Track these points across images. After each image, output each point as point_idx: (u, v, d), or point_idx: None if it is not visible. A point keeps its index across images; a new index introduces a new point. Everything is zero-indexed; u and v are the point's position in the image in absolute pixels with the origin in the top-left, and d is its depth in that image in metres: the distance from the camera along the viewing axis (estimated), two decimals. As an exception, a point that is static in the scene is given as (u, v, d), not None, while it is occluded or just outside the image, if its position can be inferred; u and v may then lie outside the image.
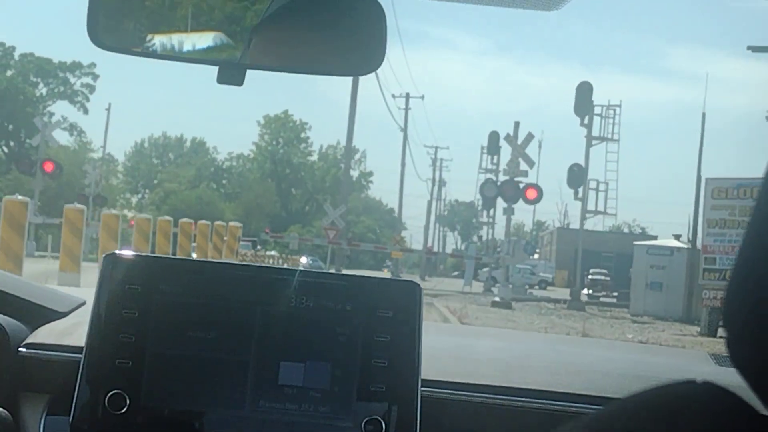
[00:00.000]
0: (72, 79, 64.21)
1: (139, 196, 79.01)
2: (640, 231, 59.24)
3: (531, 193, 29.58)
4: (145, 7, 1.43)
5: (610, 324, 22.14)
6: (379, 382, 1.47)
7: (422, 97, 62.82)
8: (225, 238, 24.71)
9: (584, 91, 31.06)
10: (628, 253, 34.18)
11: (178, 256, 1.48)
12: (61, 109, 74.96)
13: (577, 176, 31.23)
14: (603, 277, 45.51)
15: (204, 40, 1.42)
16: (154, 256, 1.53)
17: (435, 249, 59.24)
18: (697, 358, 1.96)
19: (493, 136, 36.43)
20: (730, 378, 0.65)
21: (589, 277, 44.37)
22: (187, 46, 1.41)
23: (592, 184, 34.08)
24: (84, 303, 1.80)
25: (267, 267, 1.55)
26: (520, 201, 29.39)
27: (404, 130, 55.62)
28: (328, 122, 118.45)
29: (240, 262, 1.60)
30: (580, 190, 31.48)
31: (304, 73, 1.48)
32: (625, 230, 72.41)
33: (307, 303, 1.50)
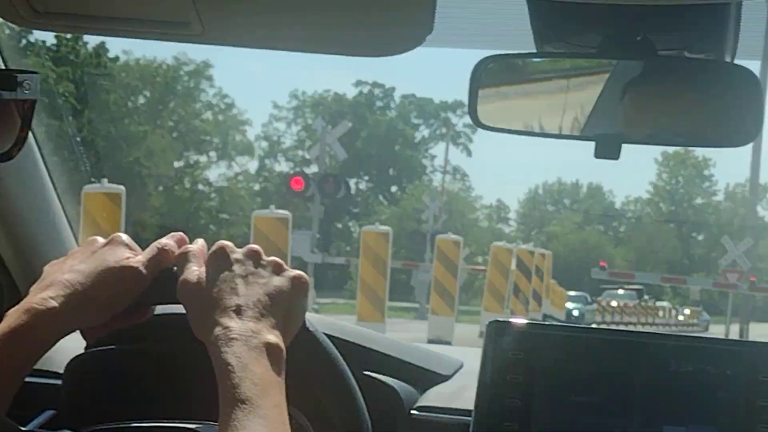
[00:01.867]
0: (453, 119, 66.82)
1: (532, 243, 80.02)
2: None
3: None
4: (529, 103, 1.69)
5: None
6: None
7: None
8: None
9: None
10: None
11: (556, 323, 1.72)
12: (442, 151, 78.50)
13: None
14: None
15: (582, 116, 1.64)
16: (536, 323, 1.76)
17: None
18: None
19: None
20: None
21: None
22: (565, 122, 1.65)
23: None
24: (462, 365, 2.06)
25: (642, 333, 1.73)
26: None
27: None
28: (733, 156, 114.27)
29: (616, 329, 1.81)
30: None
31: (677, 146, 1.65)
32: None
33: (686, 368, 1.67)
